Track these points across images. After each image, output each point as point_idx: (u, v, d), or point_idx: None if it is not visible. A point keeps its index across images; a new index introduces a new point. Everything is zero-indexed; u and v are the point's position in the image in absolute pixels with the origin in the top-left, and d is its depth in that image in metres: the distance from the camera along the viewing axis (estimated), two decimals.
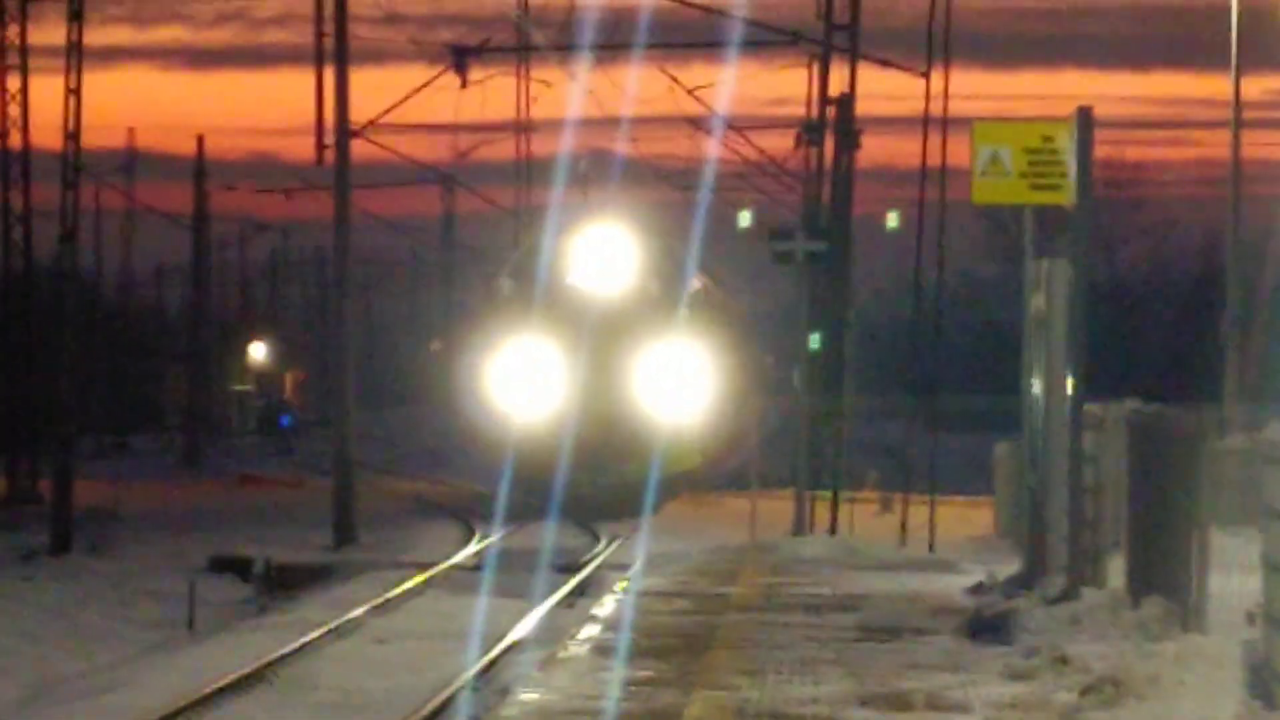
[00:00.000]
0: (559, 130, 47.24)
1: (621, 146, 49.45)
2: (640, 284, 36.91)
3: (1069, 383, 22.98)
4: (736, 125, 47.93)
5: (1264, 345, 35.27)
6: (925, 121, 36.97)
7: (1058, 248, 24.17)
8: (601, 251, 36.21)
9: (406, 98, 45.63)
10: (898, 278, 63.74)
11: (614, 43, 42.68)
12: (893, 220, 39.58)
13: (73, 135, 39.10)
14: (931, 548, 32.80)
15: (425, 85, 45.46)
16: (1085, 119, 23.73)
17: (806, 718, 13.56)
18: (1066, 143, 23.07)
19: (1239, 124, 38.12)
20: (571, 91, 44.66)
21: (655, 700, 14.21)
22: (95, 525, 40.12)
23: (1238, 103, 37.88)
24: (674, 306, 35.96)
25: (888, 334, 67.58)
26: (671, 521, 33.47)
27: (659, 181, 51.52)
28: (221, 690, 18.13)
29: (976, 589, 24.63)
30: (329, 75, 38.37)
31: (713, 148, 46.16)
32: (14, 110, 46.21)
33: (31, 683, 22.57)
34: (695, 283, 36.98)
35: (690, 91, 46.45)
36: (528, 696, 14.83)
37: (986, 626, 20.52)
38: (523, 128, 55.99)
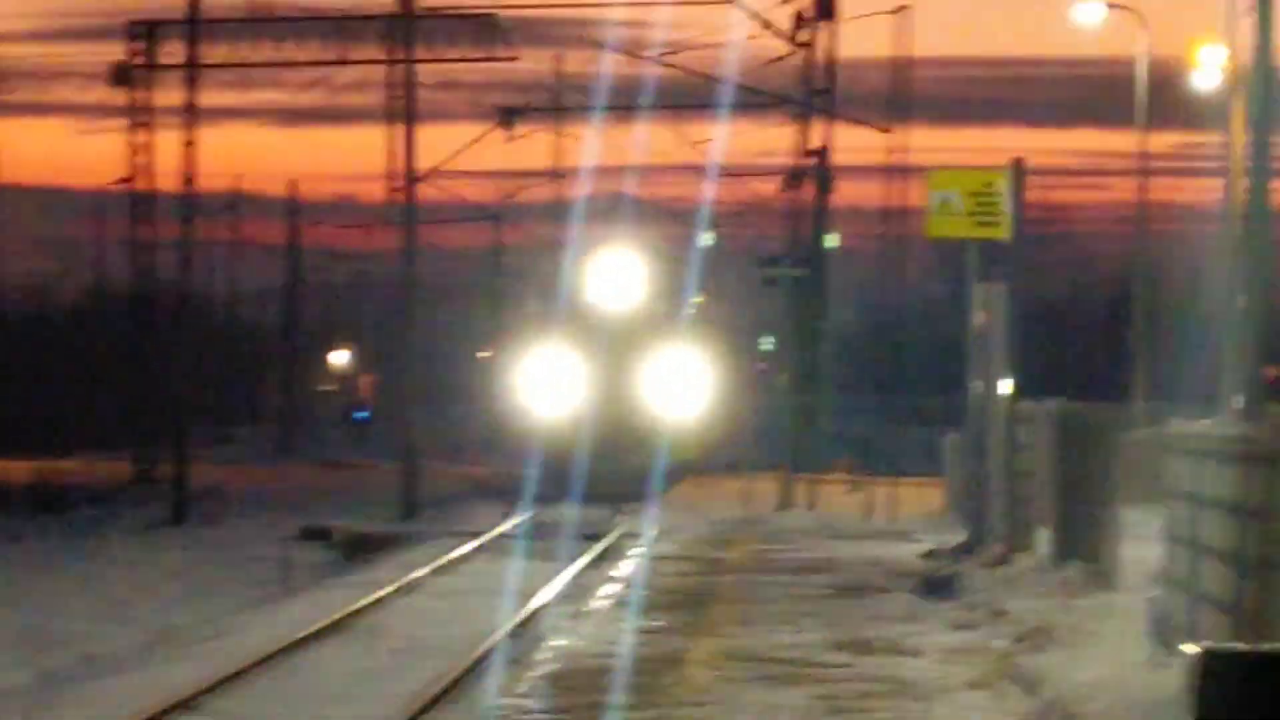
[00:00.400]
0: (588, 175, 47.86)
1: (637, 189, 50.13)
2: (648, 301, 35.59)
3: (1005, 384, 23.12)
4: (732, 172, 48.04)
5: (1165, 353, 35.78)
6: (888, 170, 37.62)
7: (996, 274, 24.10)
8: (616, 274, 35.55)
9: (462, 150, 46.95)
10: (867, 296, 64.69)
11: (631, 105, 43.26)
12: (831, 241, 39.37)
13: (189, 180, 40.25)
14: (891, 521, 32.76)
15: (477, 140, 46.55)
16: (1019, 168, 23.81)
17: (789, 660, 14.23)
18: (1003, 187, 23.21)
19: (1147, 172, 38.66)
20: (597, 144, 45.20)
21: (665, 645, 14.68)
22: (206, 502, 40.40)
23: (1146, 155, 38.45)
24: (677, 320, 35.59)
25: (858, 344, 67.85)
26: (677, 500, 33.10)
27: (669, 219, 51.62)
28: (309, 637, 18.12)
29: (928, 555, 24.27)
30: (399, 131, 39.25)
31: (711, 190, 46.22)
32: (142, 159, 47.35)
33: (154, 631, 22.42)
34: (696, 300, 36.73)
35: (694, 144, 46.95)
36: (560, 642, 15.27)
37: (936, 586, 20.78)
38: (557, 174, 56.77)
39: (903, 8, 43.71)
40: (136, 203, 48.93)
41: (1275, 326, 15.60)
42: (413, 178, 38.48)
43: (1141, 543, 16.13)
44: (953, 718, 11.71)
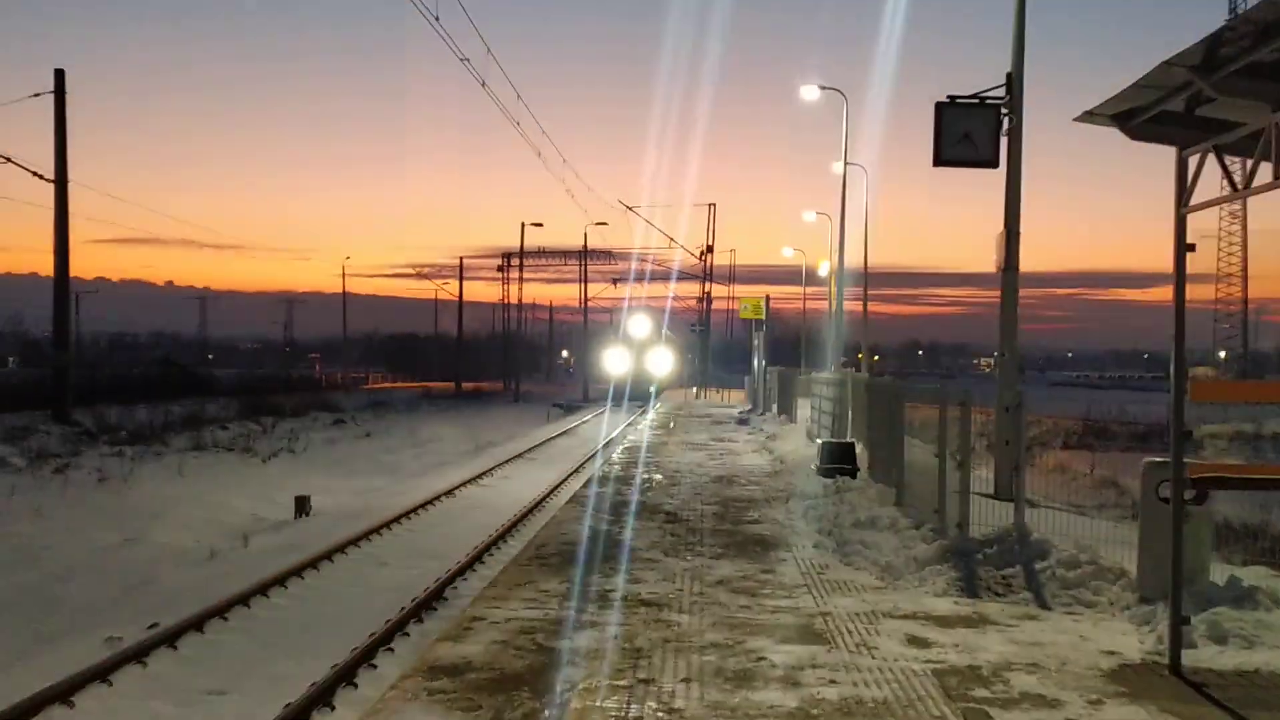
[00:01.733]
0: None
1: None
2: (650, 333, 72.16)
3: (764, 366, 50.72)
4: (678, 296, 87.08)
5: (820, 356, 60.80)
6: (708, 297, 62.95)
7: (759, 327, 53.97)
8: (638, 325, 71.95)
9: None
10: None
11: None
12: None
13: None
14: (729, 404, 64.36)
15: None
16: (767, 298, 57.80)
17: (698, 442, 31.57)
18: (763, 305, 53.02)
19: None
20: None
21: (661, 439, 32.86)
22: (525, 395, 77.82)
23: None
24: (660, 341, 72.62)
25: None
26: (663, 401, 61.67)
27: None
28: (557, 436, 42.51)
29: (741, 415, 45.85)
30: None
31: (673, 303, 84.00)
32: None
33: (480, 441, 41.59)
34: (668, 335, 74.98)
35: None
36: (630, 437, 36.43)
37: (742, 421, 41.59)
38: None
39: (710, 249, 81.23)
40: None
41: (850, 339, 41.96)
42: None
43: (804, 408, 35.27)
44: (746, 457, 26.79)
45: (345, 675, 10.93)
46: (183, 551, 18.15)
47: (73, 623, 13.33)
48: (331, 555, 17.50)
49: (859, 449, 20.95)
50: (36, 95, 37.15)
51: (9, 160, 34.51)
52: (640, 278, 79.35)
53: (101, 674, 10.89)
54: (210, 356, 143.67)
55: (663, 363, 72.10)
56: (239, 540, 19.27)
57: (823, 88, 42.61)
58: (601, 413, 58.32)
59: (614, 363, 70.36)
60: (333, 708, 10.15)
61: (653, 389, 66.98)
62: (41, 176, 37.13)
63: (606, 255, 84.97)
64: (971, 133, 16.42)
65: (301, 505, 22.54)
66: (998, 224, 17.35)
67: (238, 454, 31.91)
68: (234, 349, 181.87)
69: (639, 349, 70.56)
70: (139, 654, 11.61)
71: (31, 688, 10.32)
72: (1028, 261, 16.89)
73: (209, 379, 73.18)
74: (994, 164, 16.64)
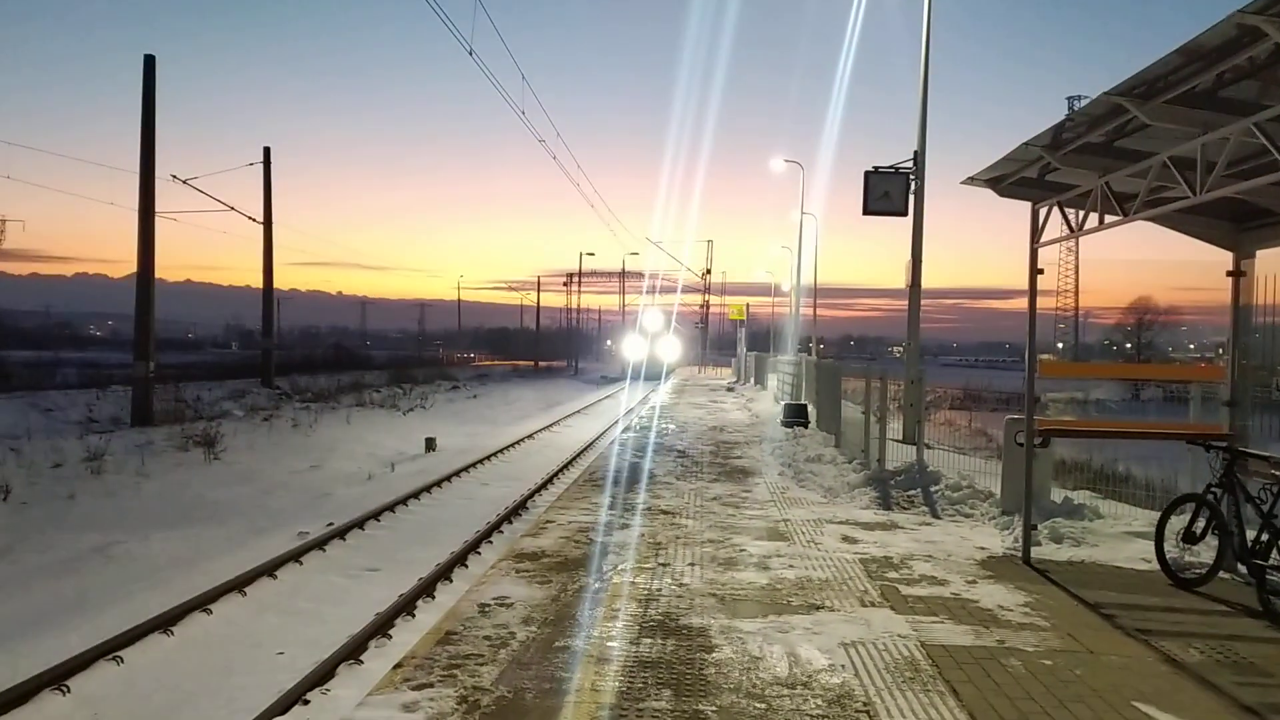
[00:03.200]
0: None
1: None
2: (664, 327, 67.27)
3: (745, 349, 48.04)
4: (685, 305, 79.70)
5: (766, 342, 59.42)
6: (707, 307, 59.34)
7: (743, 327, 50.96)
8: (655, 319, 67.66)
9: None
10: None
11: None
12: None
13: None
14: (721, 377, 57.34)
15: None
16: (747, 307, 51.13)
17: (700, 402, 31.18)
18: (744, 307, 50.21)
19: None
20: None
21: (676, 401, 32.61)
22: (578, 373, 73.96)
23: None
24: (671, 333, 66.91)
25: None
26: (674, 376, 57.72)
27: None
28: (598, 400, 38.82)
29: (730, 385, 44.81)
30: None
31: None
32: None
33: (550, 401, 41.74)
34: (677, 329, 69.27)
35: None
36: (654, 400, 35.34)
37: (730, 389, 40.27)
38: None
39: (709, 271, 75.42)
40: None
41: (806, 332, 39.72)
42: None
43: (773, 380, 36.59)
44: (732, 413, 27.41)
45: (459, 559, 11.03)
46: (349, 475, 18.28)
47: (275, 521, 13.47)
48: (450, 478, 17.62)
49: (810, 408, 20.96)
50: (250, 164, 37.28)
51: (232, 208, 34.63)
52: (660, 290, 78.43)
53: (295, 556, 11.01)
54: (368, 343, 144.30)
55: (673, 349, 69.36)
56: (388, 467, 19.40)
57: (787, 160, 42.67)
58: (635, 383, 57.66)
59: (640, 349, 67.94)
60: (450, 580, 10.24)
61: (666, 366, 64.25)
62: (254, 220, 37.28)
63: (638, 275, 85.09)
64: (890, 191, 16.32)
65: (430, 444, 22.62)
66: (906, 253, 17.25)
67: (386, 409, 32.02)
68: (384, 338, 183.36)
69: (656, 339, 68.25)
70: (320, 543, 11.74)
71: (250, 564, 10.47)
72: (927, 280, 16.79)
73: (367, 358, 73.57)
74: (904, 213, 16.55)
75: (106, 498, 14.07)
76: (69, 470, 15.45)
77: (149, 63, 23.98)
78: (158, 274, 23.96)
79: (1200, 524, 7.39)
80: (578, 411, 34.94)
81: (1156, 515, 8.22)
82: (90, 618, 8.57)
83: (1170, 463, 9.76)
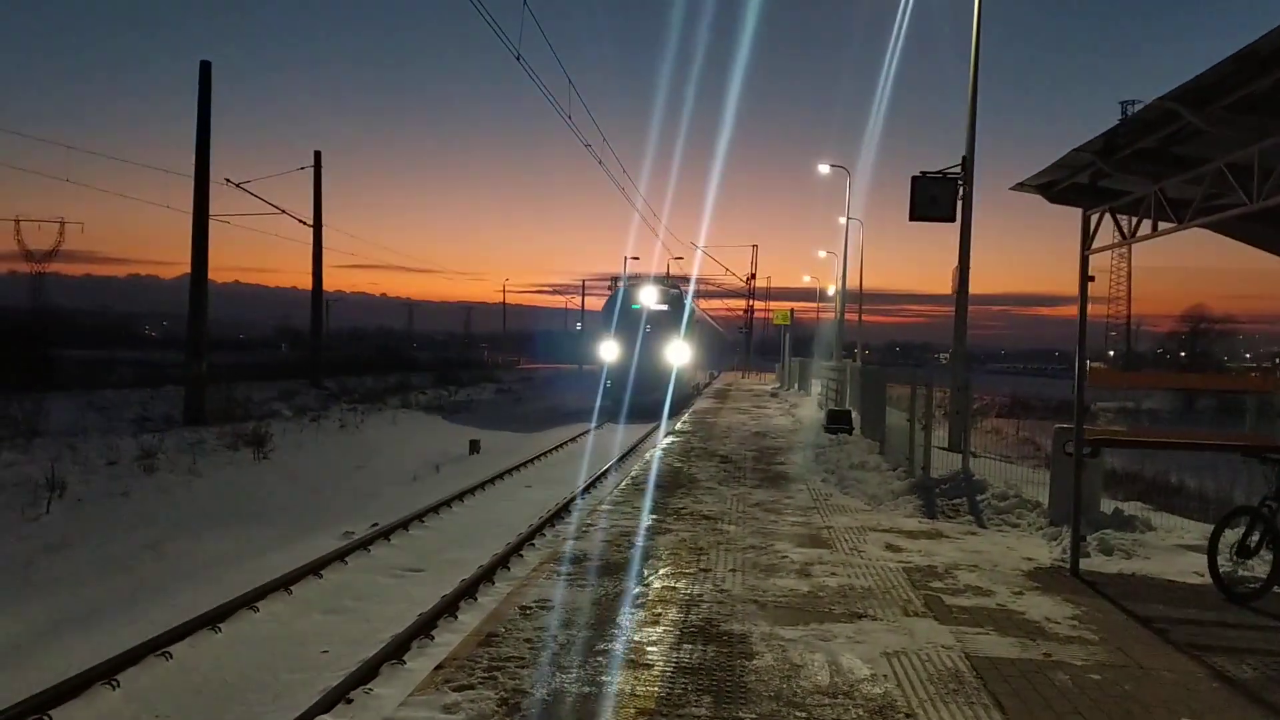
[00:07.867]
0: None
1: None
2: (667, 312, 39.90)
3: (789, 356, 46.68)
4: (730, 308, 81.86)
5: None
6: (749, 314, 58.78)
7: (788, 331, 49.58)
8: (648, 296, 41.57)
9: None
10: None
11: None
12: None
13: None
14: (765, 382, 56.04)
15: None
16: (791, 311, 49.53)
17: (743, 408, 30.76)
18: (789, 314, 47.32)
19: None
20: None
21: (718, 404, 32.32)
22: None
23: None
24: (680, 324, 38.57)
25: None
26: (718, 380, 54.18)
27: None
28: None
29: (773, 390, 44.00)
30: None
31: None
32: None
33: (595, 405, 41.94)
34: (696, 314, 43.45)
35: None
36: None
37: (774, 395, 39.70)
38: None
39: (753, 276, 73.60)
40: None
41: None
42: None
43: (816, 386, 35.99)
44: (775, 419, 26.08)
45: (502, 561, 11.09)
46: (395, 475, 18.45)
47: (320, 520, 13.64)
48: (494, 480, 17.74)
49: (854, 414, 20.77)
50: (301, 169, 37.87)
51: (283, 211, 35.19)
52: (704, 295, 75.65)
53: (340, 556, 11.15)
54: (414, 345, 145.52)
55: (679, 353, 51.80)
56: (432, 469, 19.57)
57: (832, 165, 42.48)
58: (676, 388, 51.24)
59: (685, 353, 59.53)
60: (493, 582, 10.29)
61: (713, 372, 59.00)
62: (304, 223, 37.84)
63: (684, 279, 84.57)
64: (937, 197, 16.14)
65: (474, 445, 22.78)
66: (954, 259, 17.06)
67: (431, 411, 32.31)
68: (430, 340, 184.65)
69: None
70: (365, 543, 11.88)
71: (296, 563, 10.62)
72: (975, 286, 16.61)
73: (413, 360, 74.16)
74: (952, 219, 16.36)
75: (159, 495, 14.35)
76: (123, 468, 15.77)
77: (205, 69, 24.43)
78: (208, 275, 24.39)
79: (1255, 537, 7.23)
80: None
81: (1209, 528, 8.07)
82: (141, 613, 8.75)
83: (1224, 475, 9.56)
